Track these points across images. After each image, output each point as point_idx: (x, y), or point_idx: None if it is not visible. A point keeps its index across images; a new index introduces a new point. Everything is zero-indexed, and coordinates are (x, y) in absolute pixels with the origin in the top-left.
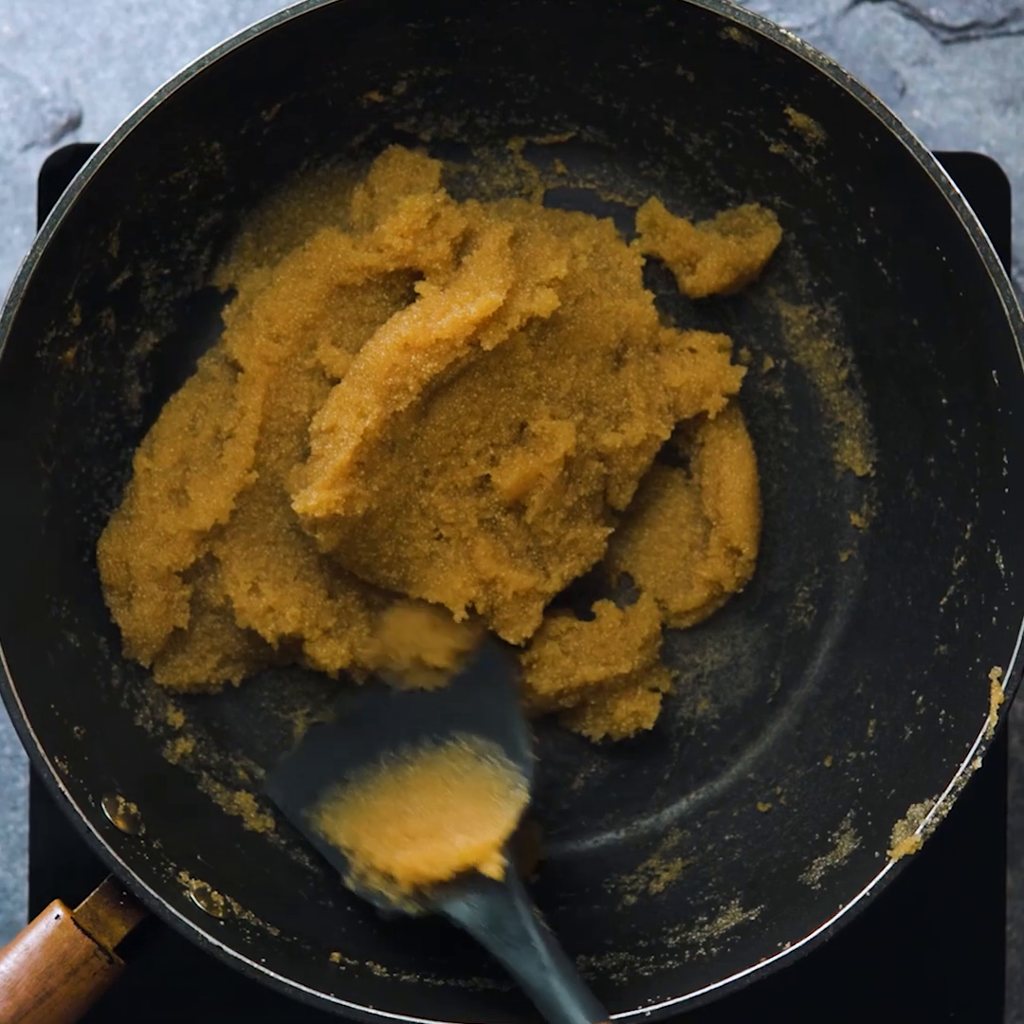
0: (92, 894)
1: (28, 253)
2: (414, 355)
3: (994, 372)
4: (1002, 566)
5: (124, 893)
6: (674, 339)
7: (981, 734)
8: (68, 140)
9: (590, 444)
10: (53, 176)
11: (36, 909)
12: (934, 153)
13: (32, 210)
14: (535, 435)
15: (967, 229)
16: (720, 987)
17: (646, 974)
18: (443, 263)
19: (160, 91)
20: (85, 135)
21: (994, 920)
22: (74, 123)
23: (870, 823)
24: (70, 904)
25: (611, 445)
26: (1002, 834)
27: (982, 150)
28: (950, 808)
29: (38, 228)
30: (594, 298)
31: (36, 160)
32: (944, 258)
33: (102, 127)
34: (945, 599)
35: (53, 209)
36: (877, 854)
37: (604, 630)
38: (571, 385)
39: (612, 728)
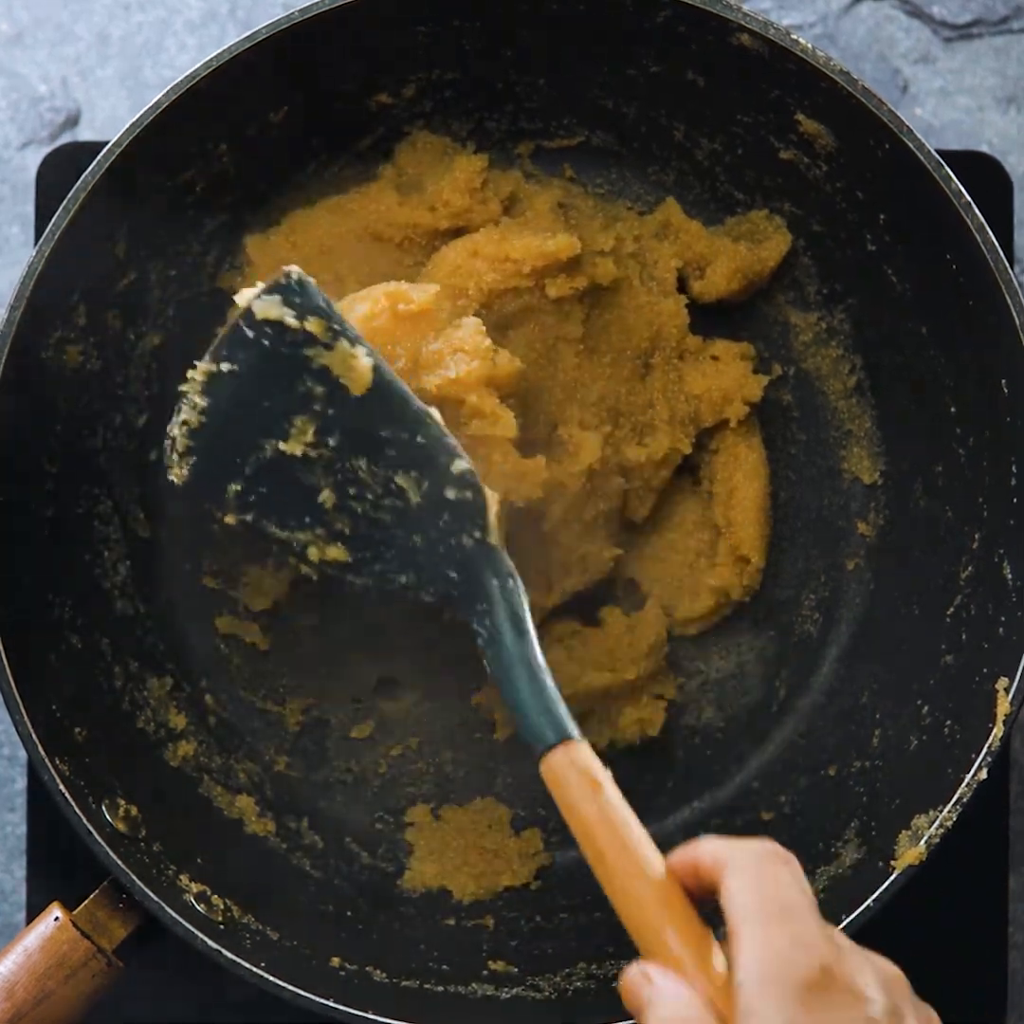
0: (91, 896)
1: (34, 253)
2: (480, 262)
3: (1003, 381)
4: (1009, 576)
5: (124, 895)
6: (699, 346)
7: (986, 745)
8: (66, 138)
9: (614, 457)
10: (51, 174)
11: (34, 911)
12: (936, 151)
13: (30, 209)
14: (562, 441)
15: (978, 237)
16: None
17: None
18: (495, 223)
19: (168, 92)
20: (83, 133)
21: (996, 922)
22: (72, 121)
23: (874, 833)
24: (69, 906)
25: (635, 459)
26: (1004, 837)
27: (984, 148)
28: (955, 819)
29: (36, 227)
30: (633, 290)
31: (34, 158)
32: (954, 266)
33: (100, 125)
34: (952, 609)
35: (59, 209)
36: (881, 864)
37: (610, 636)
38: (601, 390)
39: (617, 735)
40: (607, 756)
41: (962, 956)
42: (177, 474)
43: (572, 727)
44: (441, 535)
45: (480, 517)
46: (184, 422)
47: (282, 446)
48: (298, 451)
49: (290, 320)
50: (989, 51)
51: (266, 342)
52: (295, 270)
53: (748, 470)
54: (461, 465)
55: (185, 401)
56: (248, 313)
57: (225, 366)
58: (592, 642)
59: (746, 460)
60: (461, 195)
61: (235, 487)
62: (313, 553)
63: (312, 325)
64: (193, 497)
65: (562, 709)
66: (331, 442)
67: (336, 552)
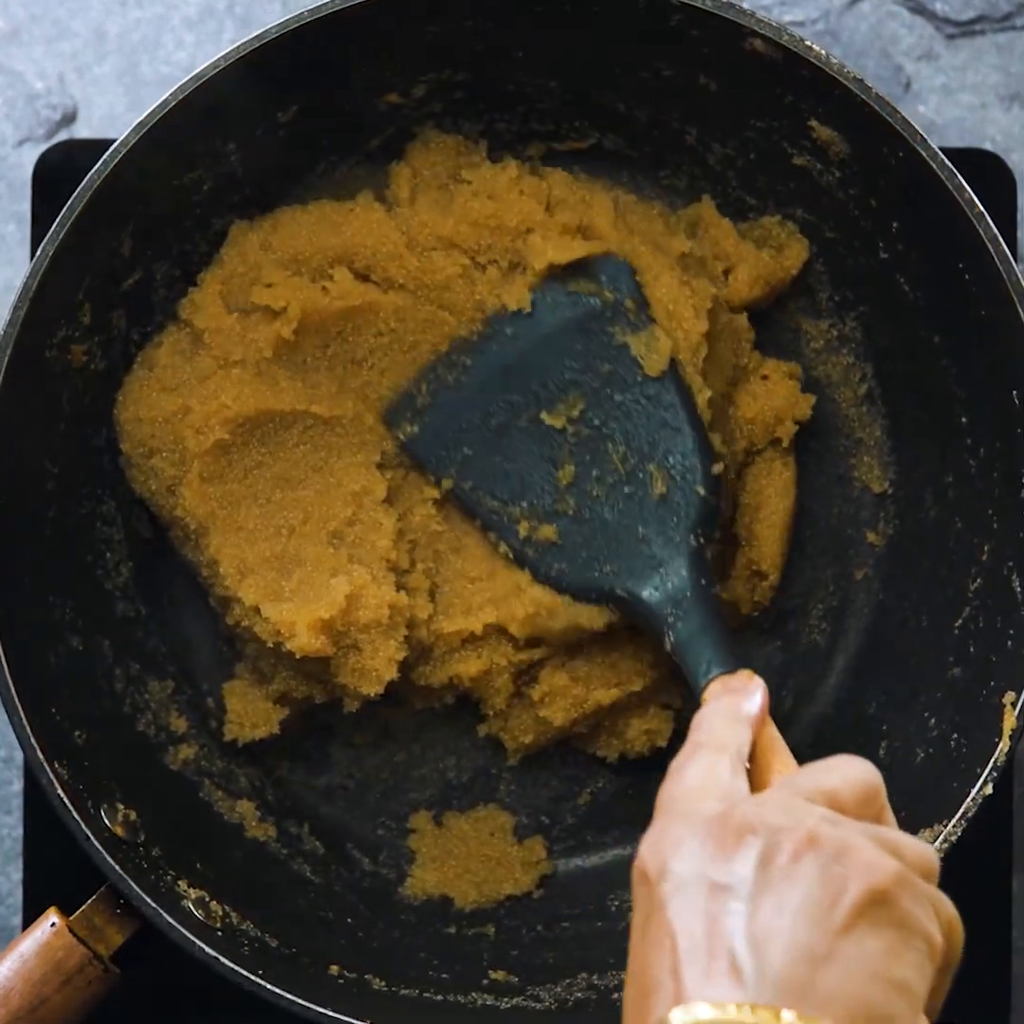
0: (89, 901)
1: (39, 252)
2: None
3: (1014, 393)
4: (1018, 589)
5: (121, 901)
6: (759, 364)
7: (992, 759)
8: (63, 136)
9: None
10: (47, 172)
11: (30, 914)
12: (939, 149)
13: (26, 207)
14: None
15: (990, 247)
16: None
17: None
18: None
19: (176, 91)
20: (80, 131)
21: (1000, 926)
22: (69, 118)
23: None
24: (66, 910)
25: None
26: (1008, 839)
27: (987, 146)
28: (959, 833)
29: (32, 225)
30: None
31: (30, 156)
32: (966, 275)
33: (97, 123)
34: (960, 621)
35: (64, 208)
36: None
37: (614, 649)
38: None
39: (626, 747)
40: (616, 768)
41: (965, 959)
42: (406, 430)
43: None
44: (668, 530)
45: (713, 521)
46: (435, 379)
47: (544, 416)
48: (559, 424)
49: (608, 294)
50: (992, 48)
51: (568, 313)
52: (615, 255)
53: (780, 486)
54: (719, 467)
55: (446, 358)
56: (557, 283)
57: (509, 329)
58: (595, 658)
59: (781, 476)
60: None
61: (467, 451)
62: (523, 529)
63: (630, 303)
64: (411, 454)
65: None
66: (596, 421)
67: (548, 531)
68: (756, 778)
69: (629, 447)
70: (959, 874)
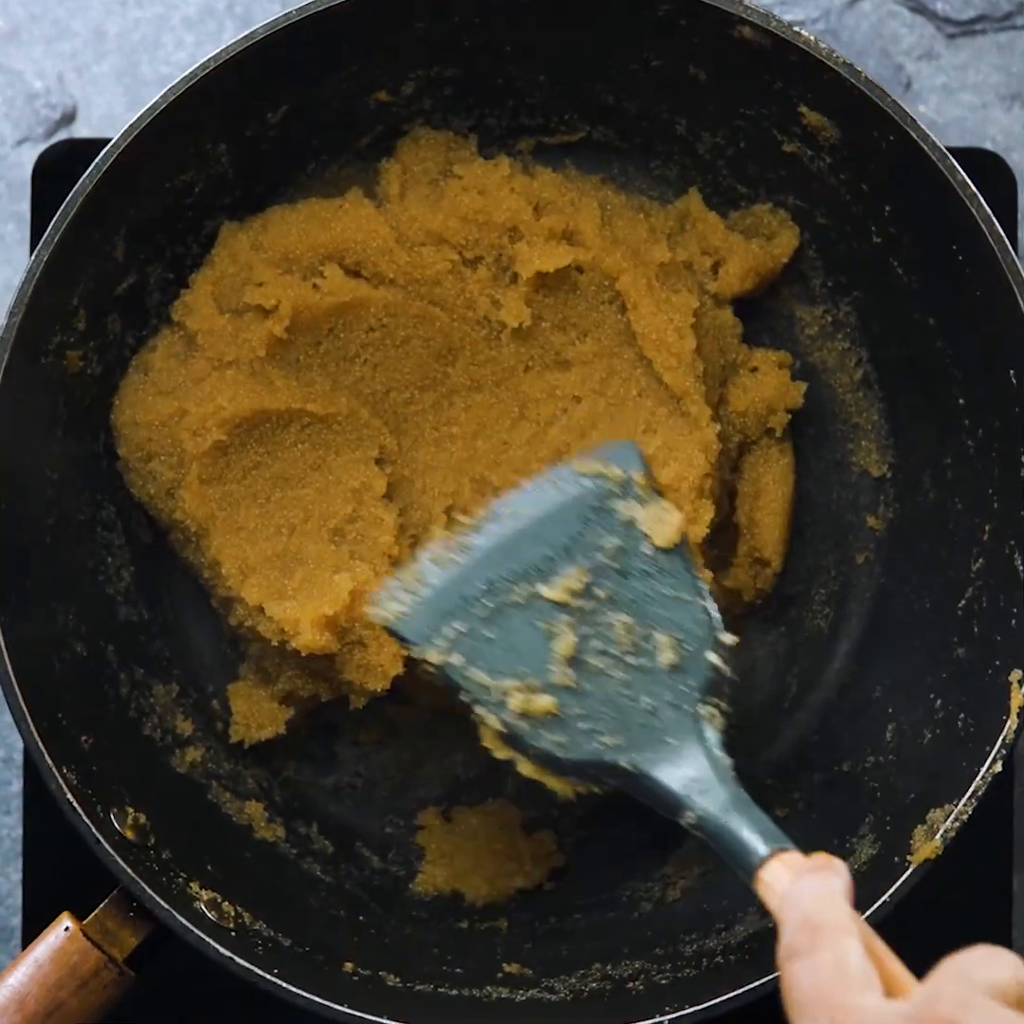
0: (101, 905)
1: (32, 258)
2: None
3: (1011, 371)
4: (1020, 568)
5: (134, 904)
6: (747, 356)
7: (1001, 737)
8: (62, 135)
9: None
10: (47, 172)
11: (31, 915)
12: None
13: (26, 206)
14: None
15: (983, 227)
16: (738, 995)
17: (663, 982)
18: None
19: (165, 94)
20: (79, 130)
21: (1001, 925)
22: (68, 118)
23: (889, 828)
24: (69, 908)
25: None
26: (1009, 838)
27: (988, 145)
28: (970, 812)
29: (32, 225)
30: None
31: (29, 155)
32: (960, 257)
33: (97, 122)
34: (963, 601)
35: (57, 213)
36: (896, 859)
37: None
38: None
39: None
40: None
41: None
42: (392, 609)
43: (784, 838)
44: (678, 700)
45: (722, 692)
46: (432, 562)
47: (544, 591)
48: (559, 598)
49: (616, 472)
50: (992, 48)
51: (573, 492)
52: (626, 442)
53: (778, 473)
54: (729, 637)
55: (446, 543)
56: (564, 468)
57: (509, 512)
58: None
59: (778, 463)
60: (483, 197)
61: (459, 626)
62: (516, 703)
63: (639, 479)
64: (394, 634)
65: (771, 823)
66: (601, 594)
67: (545, 703)
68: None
69: (635, 618)
70: (961, 875)
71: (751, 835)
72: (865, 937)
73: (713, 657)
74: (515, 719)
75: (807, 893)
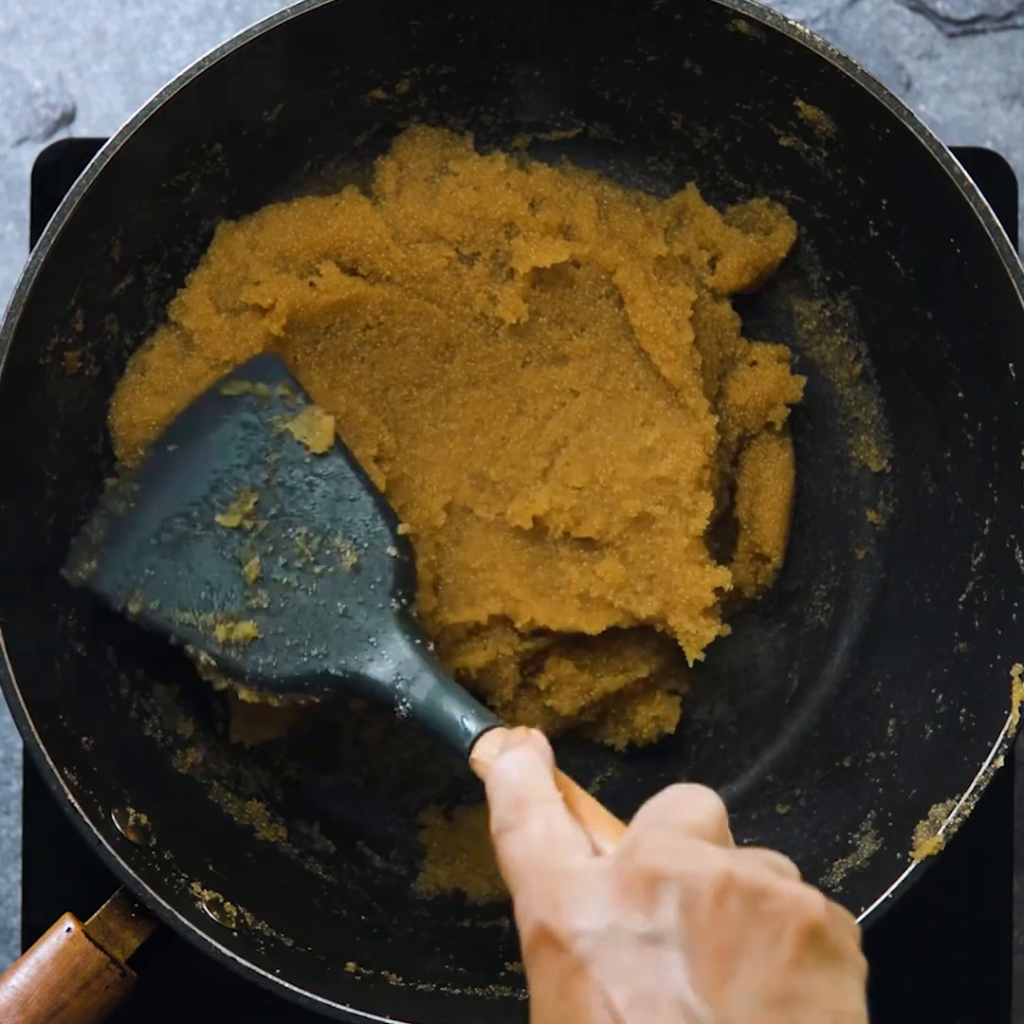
0: (103, 906)
1: (30, 259)
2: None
3: (1010, 365)
4: (1021, 562)
5: (136, 905)
6: (745, 350)
7: (1003, 732)
8: (62, 135)
9: None
10: (46, 171)
11: (31, 916)
12: None
13: (25, 206)
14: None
15: (981, 220)
16: None
17: None
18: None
19: (161, 93)
20: (79, 129)
21: (1001, 925)
22: (68, 118)
23: (891, 824)
24: (69, 909)
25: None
26: (1009, 838)
27: (988, 145)
28: (972, 808)
29: (31, 224)
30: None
31: (29, 155)
32: (958, 250)
33: (96, 122)
34: (964, 596)
35: (54, 214)
36: (899, 855)
37: (617, 635)
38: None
39: (634, 735)
40: (624, 756)
41: (967, 959)
42: (84, 569)
43: (492, 717)
44: (369, 599)
45: (411, 580)
46: (107, 514)
47: (219, 519)
48: (234, 522)
49: (261, 388)
50: (993, 47)
51: (225, 416)
52: (264, 353)
53: (778, 468)
54: (406, 527)
55: (114, 492)
56: (212, 391)
57: (171, 447)
58: (599, 645)
59: (778, 458)
60: (479, 192)
61: (149, 571)
62: (220, 633)
63: (283, 390)
64: (92, 591)
65: (479, 705)
66: (272, 511)
67: (247, 629)
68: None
69: (310, 528)
70: (961, 875)
71: (461, 716)
72: (573, 799)
73: (393, 551)
74: (222, 650)
75: (511, 768)
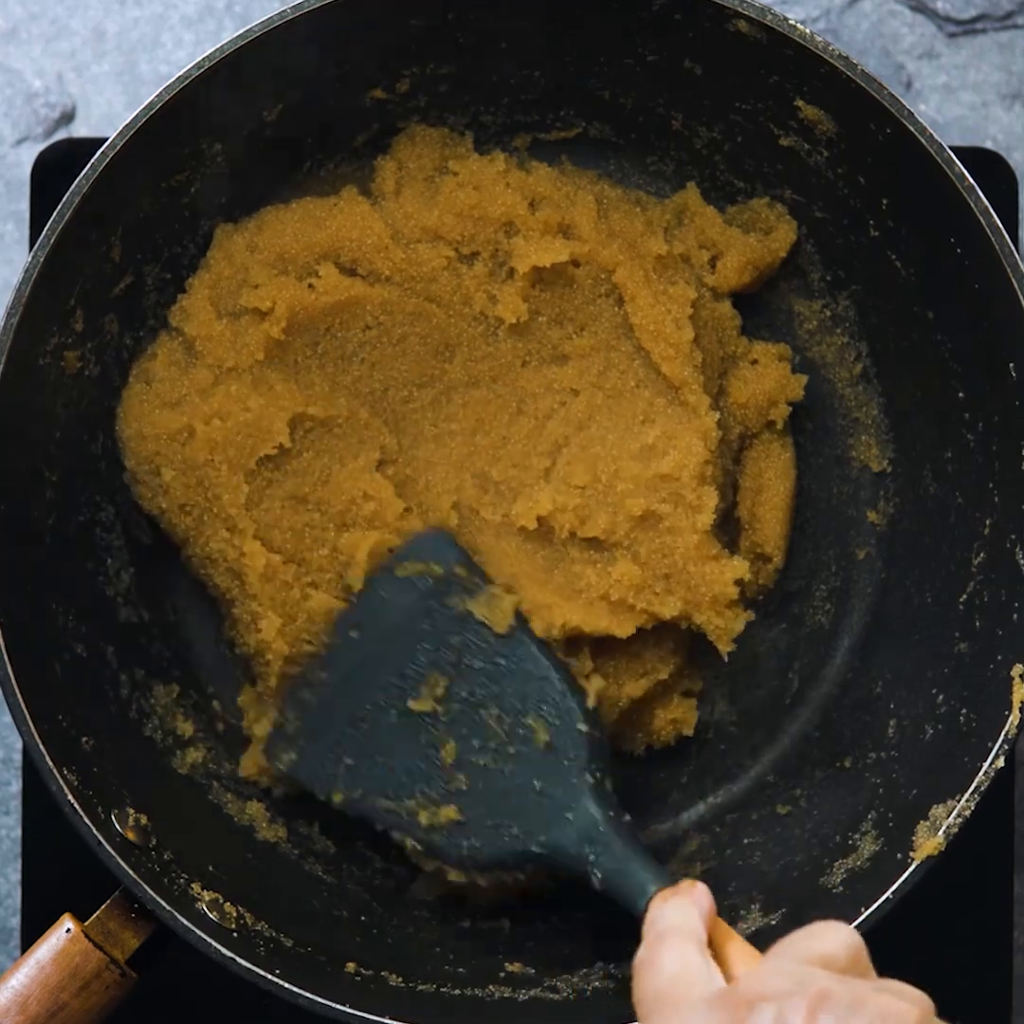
0: (103, 907)
1: (29, 259)
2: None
3: (1011, 365)
4: (1022, 562)
5: (136, 905)
6: (746, 349)
7: (1003, 732)
8: (61, 134)
9: None
10: (46, 171)
11: (31, 916)
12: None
13: (24, 206)
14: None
15: (982, 220)
16: None
17: None
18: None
19: (160, 93)
20: (78, 129)
21: (1001, 925)
22: (68, 117)
23: (891, 824)
24: (69, 909)
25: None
26: (1009, 839)
27: (989, 145)
28: (973, 808)
29: (31, 224)
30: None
31: (28, 155)
32: (958, 250)
33: (96, 121)
34: (965, 596)
35: (54, 214)
36: (899, 856)
37: (636, 637)
38: None
39: (652, 739)
40: (619, 755)
41: (967, 959)
42: (284, 760)
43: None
44: (563, 775)
45: (604, 753)
46: (298, 704)
47: (411, 704)
48: (427, 708)
49: (436, 568)
50: (993, 47)
51: (404, 599)
52: (433, 529)
53: (779, 468)
54: (593, 700)
55: (303, 680)
56: (387, 572)
57: (353, 633)
58: (617, 650)
59: (780, 457)
60: (479, 192)
61: (348, 761)
62: (423, 818)
63: (459, 571)
64: (298, 783)
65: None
66: (463, 693)
67: (448, 812)
68: (722, 970)
69: (502, 708)
70: (962, 875)
71: (639, 882)
72: (720, 938)
73: (584, 726)
74: (427, 834)
75: (663, 912)
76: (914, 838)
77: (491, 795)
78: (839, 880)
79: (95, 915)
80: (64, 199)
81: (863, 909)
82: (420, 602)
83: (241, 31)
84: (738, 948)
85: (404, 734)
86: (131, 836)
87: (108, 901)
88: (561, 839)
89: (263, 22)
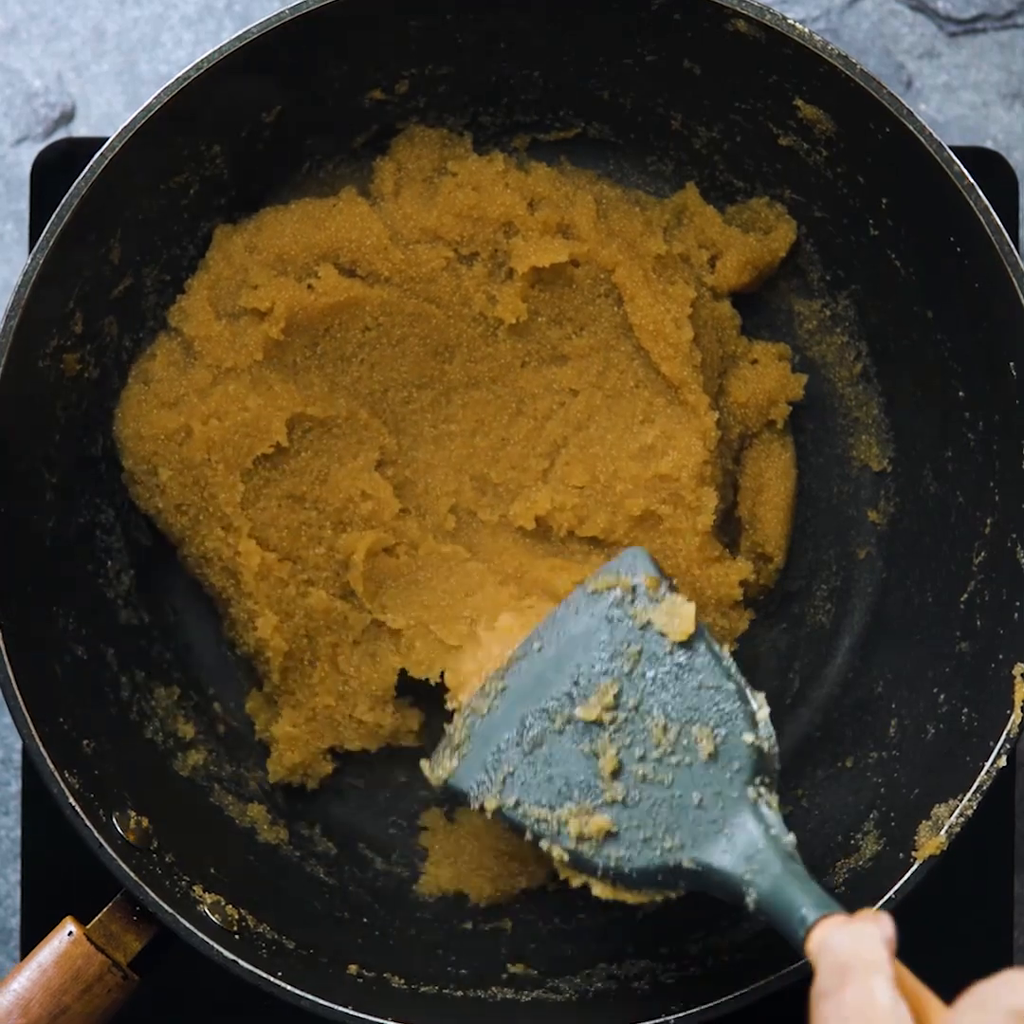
0: (105, 909)
1: (28, 261)
2: None
3: (1011, 364)
4: (1023, 561)
5: (137, 908)
6: (746, 349)
7: (1005, 731)
8: (61, 134)
9: None
10: (46, 171)
11: (31, 918)
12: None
13: (24, 206)
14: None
15: (981, 219)
16: (744, 994)
17: (668, 981)
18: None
19: (159, 95)
20: (78, 129)
21: (1002, 926)
22: (67, 117)
23: (893, 824)
24: (70, 911)
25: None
26: (1010, 838)
27: (989, 144)
28: (975, 808)
29: (30, 224)
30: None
31: (28, 154)
32: (958, 249)
33: (95, 121)
34: (965, 595)
35: (53, 216)
36: (901, 855)
37: None
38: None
39: None
40: None
41: (968, 959)
42: (446, 767)
43: (834, 903)
44: (724, 788)
45: (769, 768)
46: (470, 712)
47: (579, 712)
48: (594, 716)
49: (625, 580)
50: (994, 46)
51: (591, 611)
52: (633, 548)
53: (779, 468)
54: (765, 712)
55: (481, 691)
56: (580, 589)
57: (537, 645)
58: None
59: (780, 457)
60: (478, 192)
61: (508, 768)
62: (574, 827)
63: (647, 581)
64: (455, 791)
65: (823, 892)
66: (631, 702)
67: (601, 822)
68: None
69: (668, 717)
70: (962, 876)
71: (799, 907)
72: (898, 974)
73: (750, 737)
74: (576, 844)
75: (842, 939)
76: (916, 838)
77: (647, 806)
78: (841, 880)
79: (97, 918)
80: (64, 199)
81: (865, 909)
82: (605, 612)
83: (241, 31)
84: (919, 989)
85: (567, 742)
86: (132, 838)
87: (110, 904)
88: (716, 856)
89: (263, 22)
